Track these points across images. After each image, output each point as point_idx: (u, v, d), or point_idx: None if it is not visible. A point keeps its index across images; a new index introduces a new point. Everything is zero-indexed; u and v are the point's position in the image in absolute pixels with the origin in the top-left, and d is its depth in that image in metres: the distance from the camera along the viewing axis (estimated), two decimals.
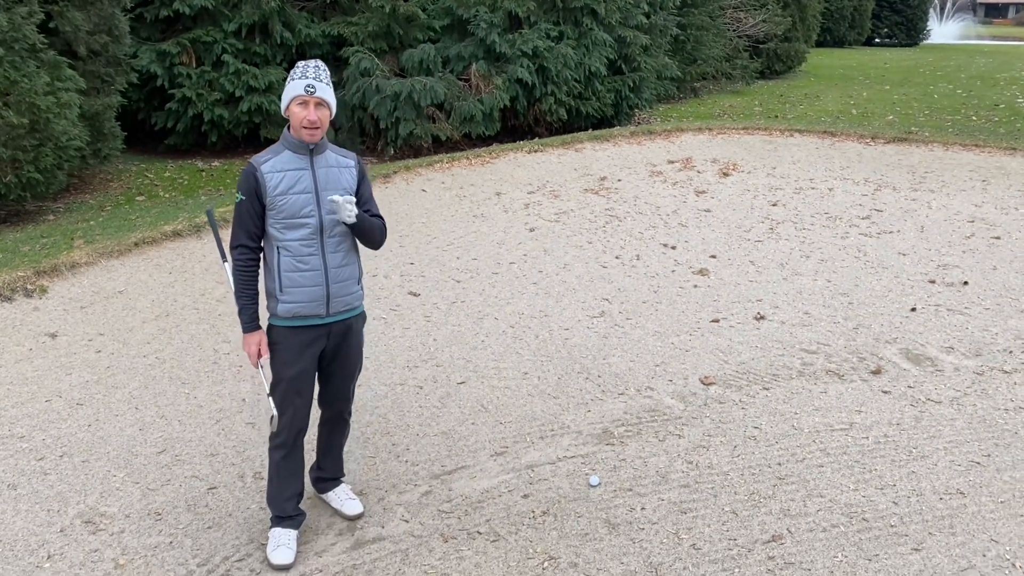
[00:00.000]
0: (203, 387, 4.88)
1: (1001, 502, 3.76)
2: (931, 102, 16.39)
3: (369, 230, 3.36)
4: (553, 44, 12.02)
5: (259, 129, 11.37)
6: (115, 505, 3.76)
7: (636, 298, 6.30)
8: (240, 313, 3.32)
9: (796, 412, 4.59)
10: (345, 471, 3.88)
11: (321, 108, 3.20)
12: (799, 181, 9.66)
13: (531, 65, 11.79)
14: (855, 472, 4.00)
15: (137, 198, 9.29)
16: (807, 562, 3.38)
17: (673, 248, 7.47)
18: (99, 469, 4.03)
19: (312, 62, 3.26)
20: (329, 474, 3.76)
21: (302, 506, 3.57)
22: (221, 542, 3.52)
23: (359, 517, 3.68)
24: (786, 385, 4.92)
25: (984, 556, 3.40)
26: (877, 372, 5.06)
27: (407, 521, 3.67)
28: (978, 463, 4.07)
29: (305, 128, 3.19)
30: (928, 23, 37.50)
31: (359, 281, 3.45)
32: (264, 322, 3.37)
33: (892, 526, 3.59)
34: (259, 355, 3.33)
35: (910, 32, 36.04)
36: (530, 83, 11.84)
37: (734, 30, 19.31)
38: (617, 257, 7.22)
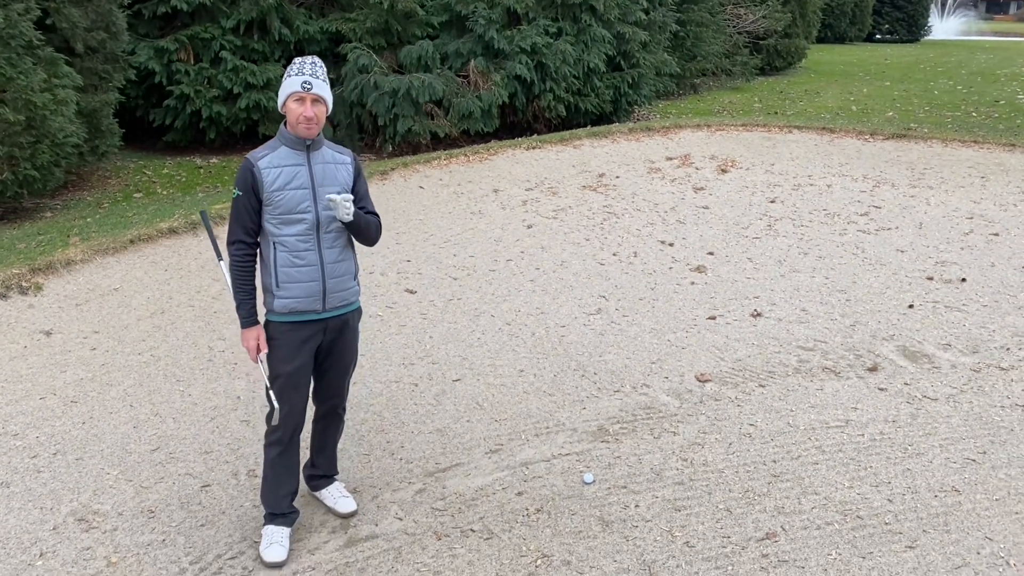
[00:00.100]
0: (198, 384, 4.87)
1: (996, 499, 3.75)
2: (931, 98, 16.35)
3: (365, 227, 3.37)
4: (552, 40, 12.00)
5: (257, 126, 11.35)
6: (108, 503, 3.76)
7: (633, 295, 6.29)
8: (238, 309, 3.33)
9: (792, 409, 4.58)
10: (339, 469, 3.87)
11: (318, 104, 3.22)
12: (797, 178, 9.65)
13: (530, 62, 11.76)
14: (850, 469, 3.99)
15: (135, 195, 9.28)
16: (800, 560, 3.37)
17: (671, 245, 7.45)
18: (93, 467, 4.03)
19: (308, 58, 3.27)
20: (323, 471, 3.75)
21: (296, 504, 3.56)
22: (214, 540, 3.52)
23: (352, 515, 3.67)
24: (782, 382, 4.91)
25: (978, 554, 3.39)
26: (874, 369, 5.05)
27: (400, 519, 3.66)
28: (973, 460, 4.06)
29: (302, 124, 3.21)
30: (929, 19, 37.41)
31: (355, 277, 3.46)
32: (260, 318, 3.37)
33: (886, 524, 3.58)
34: (258, 350, 3.33)
35: (911, 28, 35.94)
36: (529, 80, 11.82)
37: (734, 26, 19.26)
38: (614, 254, 7.21)
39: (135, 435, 4.31)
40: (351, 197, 3.23)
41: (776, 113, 14.44)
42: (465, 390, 4.83)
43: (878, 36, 36.25)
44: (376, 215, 3.47)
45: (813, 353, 5.29)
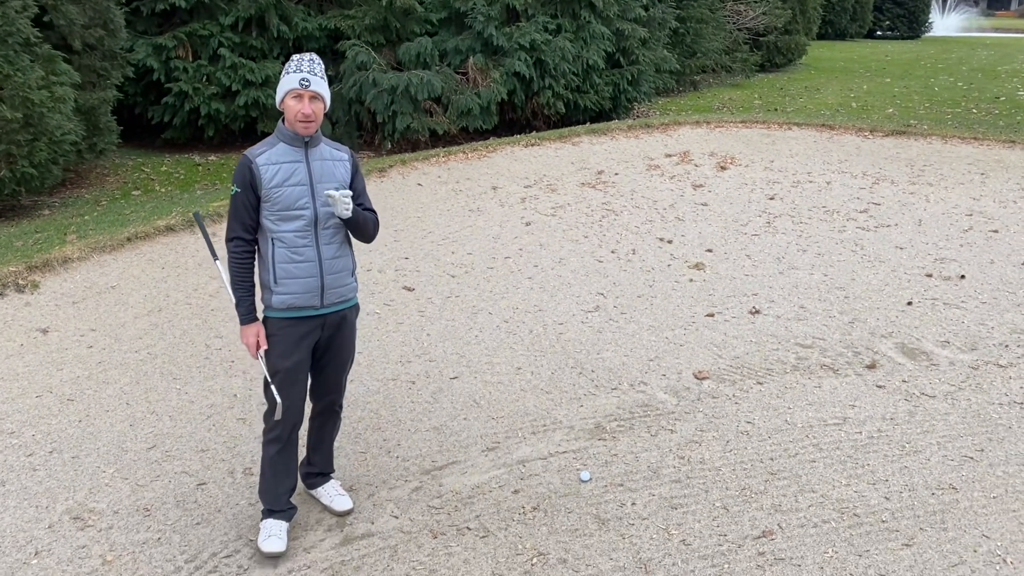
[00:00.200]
0: (194, 383, 4.86)
1: (993, 497, 3.74)
2: (932, 95, 16.33)
3: (363, 224, 3.38)
4: (551, 37, 11.98)
5: (256, 123, 11.34)
6: (104, 501, 3.75)
7: (631, 292, 6.28)
8: (237, 305, 3.34)
9: (789, 407, 4.57)
10: (335, 467, 3.86)
11: (316, 101, 3.23)
12: (797, 175, 9.63)
13: (529, 58, 11.74)
14: (847, 467, 3.98)
15: (133, 192, 9.28)
16: (797, 558, 3.36)
17: (669, 242, 7.44)
18: (89, 465, 4.02)
19: (307, 55, 3.27)
20: (319, 469, 3.74)
21: (293, 500, 3.56)
22: (209, 538, 3.51)
23: (348, 513, 3.66)
24: (780, 380, 4.90)
25: (975, 552, 3.38)
26: (872, 366, 5.04)
27: (396, 517, 3.65)
28: (971, 458, 4.05)
29: (300, 121, 3.22)
30: (930, 15, 37.35)
31: (353, 273, 3.47)
32: (259, 315, 3.37)
33: (883, 521, 3.57)
34: (258, 346, 3.33)
35: (912, 24, 35.89)
36: (528, 76, 11.80)
37: (734, 23, 19.23)
38: (613, 251, 7.20)
39: (131, 433, 4.31)
40: (350, 193, 3.24)
41: (776, 110, 14.42)
42: (462, 388, 4.82)
43: (879, 33, 36.19)
44: (374, 212, 3.48)
45: (811, 350, 5.28)
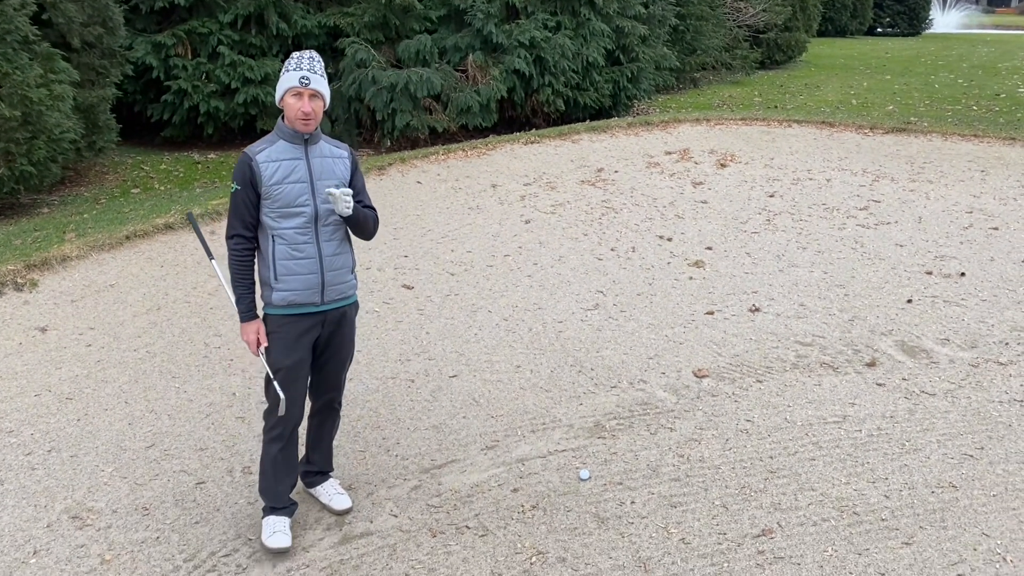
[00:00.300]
0: (193, 381, 4.85)
1: (993, 495, 3.73)
2: (932, 92, 16.30)
3: (363, 222, 3.39)
4: (550, 34, 11.96)
5: (255, 121, 11.32)
6: (103, 500, 3.74)
7: (631, 290, 6.27)
8: (237, 303, 3.34)
9: (789, 405, 4.56)
10: (334, 465, 3.86)
11: (315, 99, 3.24)
12: (797, 172, 9.62)
13: (528, 56, 11.72)
14: (847, 465, 3.98)
15: (132, 191, 9.27)
16: (797, 556, 3.36)
17: (669, 240, 7.43)
18: (87, 464, 4.01)
19: (306, 53, 3.27)
20: (318, 467, 3.74)
21: (292, 497, 3.56)
22: (208, 537, 3.51)
23: (347, 512, 3.66)
24: (780, 378, 4.89)
25: (975, 550, 3.38)
26: (872, 364, 5.03)
27: (396, 516, 3.65)
28: (971, 456, 4.04)
29: (300, 119, 3.22)
30: (930, 12, 37.30)
31: (353, 270, 3.48)
32: (258, 312, 3.38)
33: (883, 520, 3.57)
34: (258, 343, 3.33)
35: (912, 21, 35.84)
36: (527, 74, 11.78)
37: (734, 20, 19.20)
38: (612, 249, 7.19)
39: (130, 432, 4.30)
40: (350, 192, 3.25)
41: (776, 107, 14.40)
42: (461, 386, 4.82)
43: (879, 30, 36.15)
44: (373, 209, 3.49)
45: (811, 348, 5.27)
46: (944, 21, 45.01)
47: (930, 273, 6.54)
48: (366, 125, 11.66)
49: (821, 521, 3.57)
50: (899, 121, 12.08)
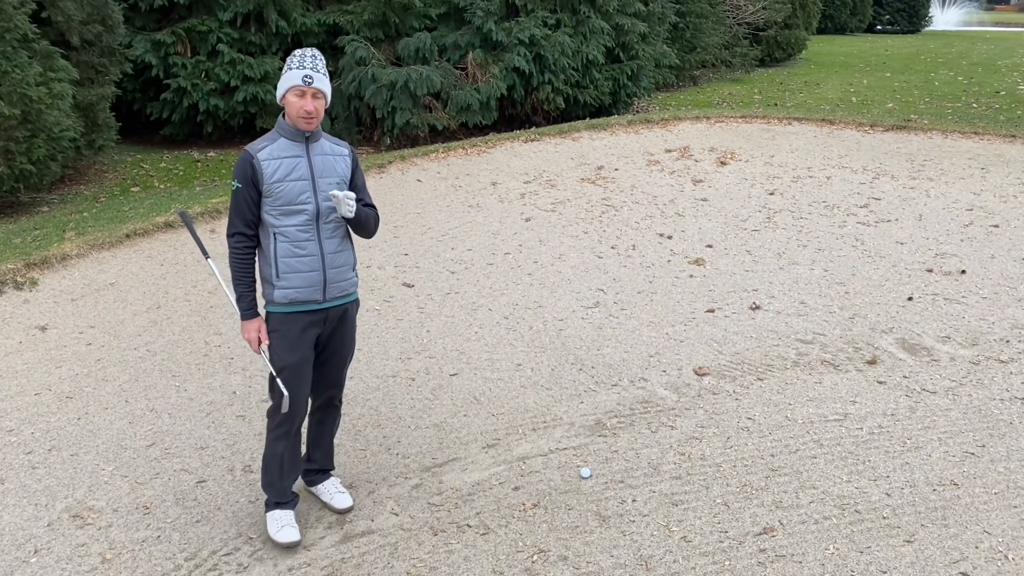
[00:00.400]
0: (194, 380, 4.85)
1: (995, 493, 3.73)
2: (932, 89, 16.30)
3: (364, 221, 3.41)
4: (550, 32, 11.95)
5: (255, 119, 11.32)
6: (103, 499, 3.74)
7: (631, 288, 6.27)
8: (238, 301, 3.34)
9: (790, 403, 4.56)
10: (335, 464, 3.85)
11: (317, 99, 3.25)
12: (797, 170, 9.61)
13: (528, 54, 11.71)
14: (848, 463, 3.97)
15: (132, 189, 9.26)
16: (798, 554, 3.36)
17: (669, 238, 7.43)
18: (88, 463, 4.01)
19: (308, 51, 3.26)
20: (319, 466, 3.74)
21: (293, 490, 3.58)
22: (209, 536, 3.50)
23: (348, 511, 3.66)
24: (780, 375, 4.89)
25: (977, 548, 3.37)
26: (872, 362, 5.03)
27: (397, 514, 3.64)
28: (972, 454, 4.04)
29: (302, 118, 3.23)
30: (930, 10, 37.30)
31: (354, 267, 3.49)
32: (260, 310, 3.38)
33: (884, 518, 3.57)
34: (259, 342, 3.34)
35: (912, 19, 35.84)
36: (527, 72, 11.77)
37: (734, 17, 19.19)
38: (613, 247, 7.18)
39: (130, 431, 4.30)
40: (353, 195, 3.26)
41: (776, 105, 14.39)
42: (462, 384, 4.81)
43: (879, 27, 36.14)
44: (374, 207, 3.50)
45: (812, 346, 5.27)
46: (944, 18, 45.00)
47: (931, 271, 6.54)
48: (366, 123, 11.65)
49: (822, 519, 3.57)
50: (899, 119, 12.07)
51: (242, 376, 4.89)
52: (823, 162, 9.90)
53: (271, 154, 3.24)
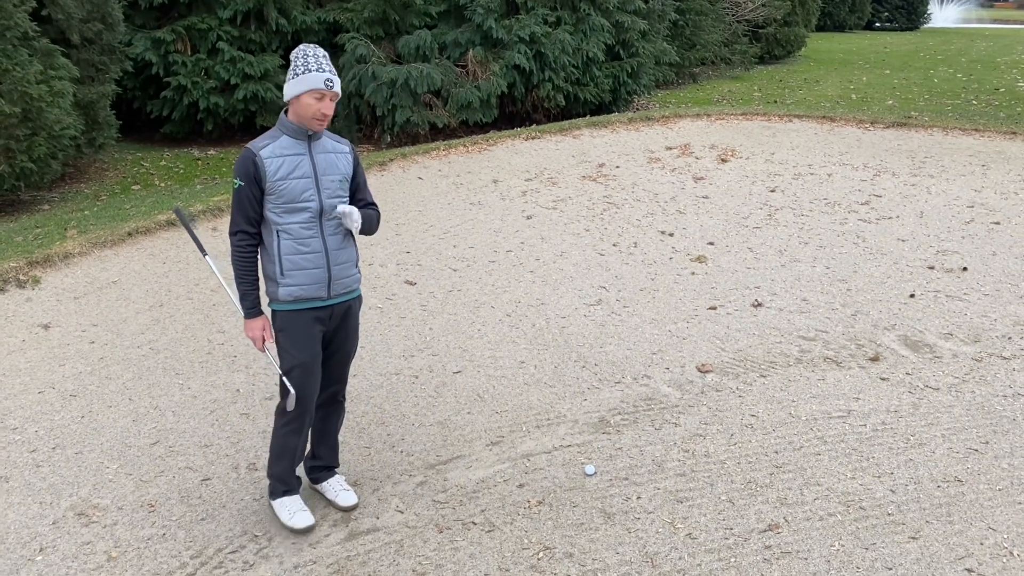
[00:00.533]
0: (197, 378, 4.85)
1: (999, 489, 3.73)
2: (931, 86, 16.30)
3: (367, 222, 3.44)
4: (550, 30, 11.94)
5: (255, 117, 11.30)
6: (108, 497, 3.74)
7: (633, 286, 6.27)
8: (242, 299, 3.35)
9: (793, 400, 4.56)
10: (339, 461, 3.85)
11: (333, 101, 3.29)
12: (798, 167, 9.61)
13: (528, 51, 11.71)
14: (852, 460, 3.98)
15: (133, 187, 9.25)
16: (804, 551, 3.36)
17: (671, 235, 7.43)
18: (92, 461, 4.01)
19: (320, 51, 3.27)
20: (324, 462, 3.74)
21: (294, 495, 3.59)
22: (214, 534, 3.50)
23: (353, 508, 3.66)
24: (783, 372, 4.89)
25: (982, 544, 3.38)
26: (875, 359, 5.03)
27: (402, 512, 3.65)
28: (976, 450, 4.05)
29: (317, 120, 3.25)
30: (929, 7, 37.29)
31: (356, 264, 3.50)
32: (264, 310, 3.39)
33: (889, 514, 3.57)
34: (263, 340, 3.34)
35: (911, 16, 35.84)
36: (527, 69, 11.76)
37: (733, 15, 19.18)
38: (614, 244, 7.18)
39: (134, 429, 4.30)
40: (357, 210, 3.29)
41: (775, 102, 14.39)
42: (466, 382, 4.81)
43: (877, 24, 36.14)
44: (375, 205, 3.53)
45: (814, 343, 5.27)
46: (942, 15, 45.00)
47: (932, 268, 6.54)
48: (366, 121, 11.64)
49: (827, 516, 3.57)
50: (900, 116, 12.07)
51: (245, 374, 4.89)
52: (824, 159, 9.90)
53: (274, 152, 3.24)
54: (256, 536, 3.48)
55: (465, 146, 9.84)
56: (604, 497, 3.73)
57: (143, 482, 3.85)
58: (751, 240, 7.27)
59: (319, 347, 3.41)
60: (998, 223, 7.59)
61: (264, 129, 10.89)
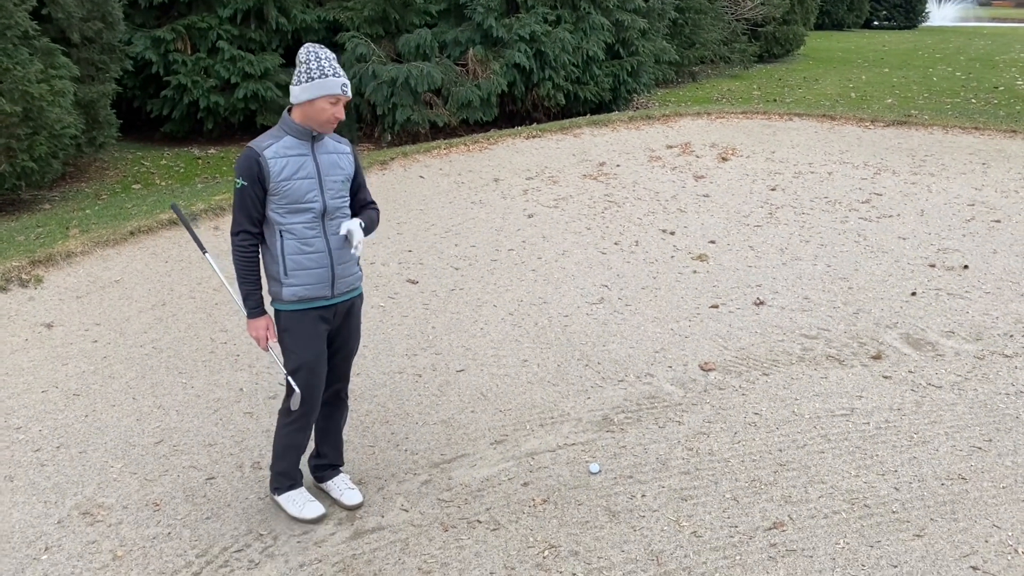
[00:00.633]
0: (200, 376, 4.85)
1: (1003, 487, 3.74)
2: (930, 85, 16.31)
3: (368, 225, 3.46)
4: (550, 28, 11.94)
5: (255, 116, 11.30)
6: (113, 496, 3.74)
7: (635, 284, 6.27)
8: (245, 299, 3.35)
9: (796, 398, 4.57)
10: (344, 460, 3.86)
11: (345, 105, 3.33)
12: (798, 165, 9.62)
13: (528, 50, 11.71)
14: (856, 458, 3.98)
15: (133, 186, 9.24)
16: (808, 549, 3.37)
17: (672, 234, 7.43)
18: (96, 460, 4.01)
19: (331, 54, 3.26)
20: (329, 461, 3.75)
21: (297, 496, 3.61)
22: (220, 532, 3.51)
23: (358, 507, 3.66)
24: (786, 371, 4.89)
25: (986, 542, 3.39)
26: (877, 357, 5.04)
27: (407, 510, 3.65)
28: (979, 448, 4.05)
29: (328, 123, 3.26)
30: (927, 5, 37.31)
31: (358, 262, 3.51)
32: (267, 309, 3.40)
33: (894, 512, 3.58)
34: (267, 340, 3.35)
35: (909, 14, 35.85)
36: (528, 68, 11.77)
37: (732, 13, 19.18)
38: (616, 243, 7.19)
39: (138, 428, 4.30)
40: (360, 223, 3.31)
41: (775, 101, 14.40)
42: (469, 381, 4.82)
43: (876, 23, 36.15)
44: (374, 204, 3.57)
45: (816, 341, 5.28)
46: (940, 14, 45.03)
47: (933, 266, 6.55)
48: (366, 120, 11.64)
49: (832, 513, 3.58)
50: (899, 114, 12.08)
51: (249, 373, 4.89)
52: (824, 158, 9.91)
53: (277, 152, 3.23)
54: (261, 535, 3.48)
55: (466, 145, 9.84)
56: (609, 495, 3.74)
57: (148, 481, 3.86)
58: (752, 238, 7.28)
59: (324, 346, 3.41)
60: (999, 221, 7.60)
61: (264, 128, 10.88)
